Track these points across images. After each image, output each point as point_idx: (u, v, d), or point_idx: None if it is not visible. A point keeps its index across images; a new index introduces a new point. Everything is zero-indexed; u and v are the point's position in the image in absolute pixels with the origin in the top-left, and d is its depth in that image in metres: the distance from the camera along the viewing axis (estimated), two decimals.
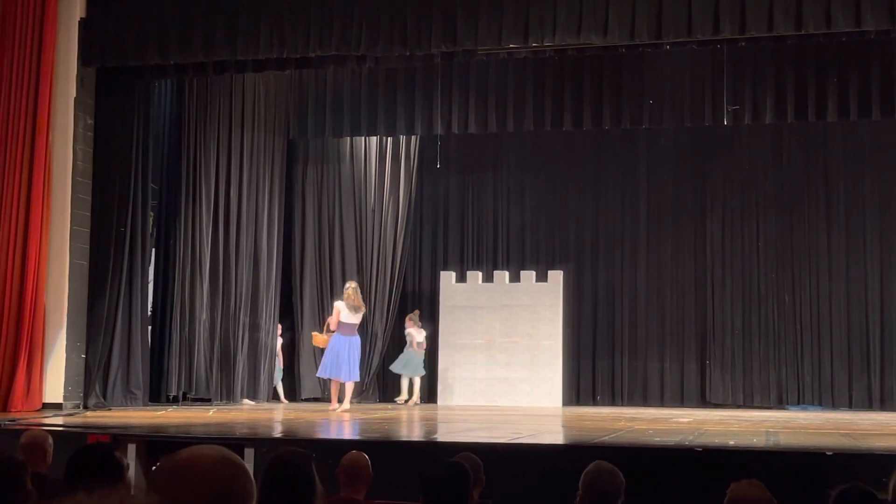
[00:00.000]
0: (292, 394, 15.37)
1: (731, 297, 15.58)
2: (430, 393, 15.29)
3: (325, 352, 12.87)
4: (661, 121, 13.93)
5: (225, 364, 13.93)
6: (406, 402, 14.78)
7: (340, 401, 12.73)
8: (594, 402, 15.64)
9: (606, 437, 9.00)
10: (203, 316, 13.68)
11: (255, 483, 2.02)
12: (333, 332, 12.78)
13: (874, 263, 15.19)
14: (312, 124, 15.14)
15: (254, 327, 14.43)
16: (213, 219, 13.97)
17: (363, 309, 13.25)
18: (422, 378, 15.00)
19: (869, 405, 14.81)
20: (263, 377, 14.53)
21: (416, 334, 15.01)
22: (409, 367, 14.93)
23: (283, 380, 15.19)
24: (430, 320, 15.61)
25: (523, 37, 11.18)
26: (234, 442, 7.60)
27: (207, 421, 10.68)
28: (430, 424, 11.35)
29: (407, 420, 11.95)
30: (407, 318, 15.19)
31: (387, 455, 7.08)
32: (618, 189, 16.06)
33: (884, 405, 14.73)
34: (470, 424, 10.90)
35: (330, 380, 13.22)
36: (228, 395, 13.90)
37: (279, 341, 15.04)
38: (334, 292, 15.67)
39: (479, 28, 11.18)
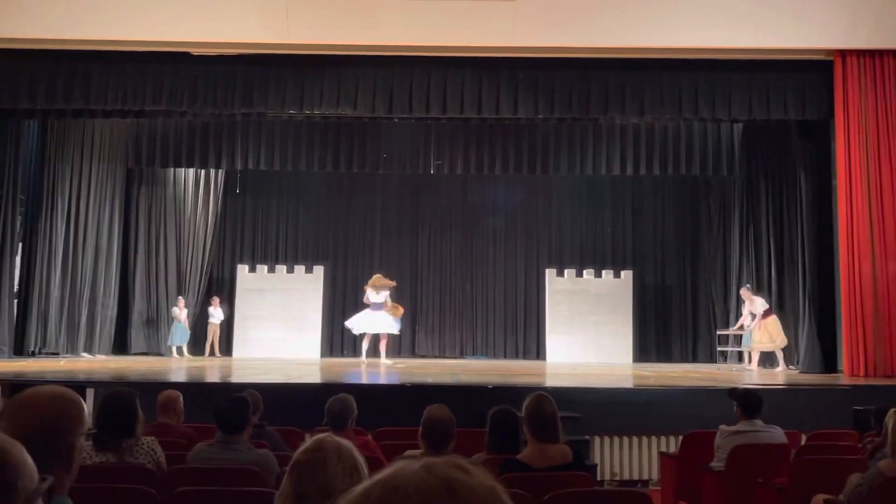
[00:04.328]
0: (125, 349, 14.28)
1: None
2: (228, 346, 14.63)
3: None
4: None
5: (70, 327, 12.83)
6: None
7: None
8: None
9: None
10: (55, 293, 12.55)
11: (85, 412, 1.86)
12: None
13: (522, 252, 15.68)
14: (146, 156, 14.09)
15: (92, 301, 13.31)
16: (66, 223, 12.83)
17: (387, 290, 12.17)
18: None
19: (517, 355, 15.23)
20: (97, 336, 13.37)
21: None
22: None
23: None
24: None
25: None
26: (78, 384, 6.99)
27: (58, 368, 9.78)
28: (227, 370, 10.87)
29: (210, 367, 11.43)
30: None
31: (194, 392, 6.73)
32: None
33: (526, 356, 15.15)
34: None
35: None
36: (72, 350, 12.81)
37: (183, 312, 13.79)
38: (159, 279, 14.74)
39: None
